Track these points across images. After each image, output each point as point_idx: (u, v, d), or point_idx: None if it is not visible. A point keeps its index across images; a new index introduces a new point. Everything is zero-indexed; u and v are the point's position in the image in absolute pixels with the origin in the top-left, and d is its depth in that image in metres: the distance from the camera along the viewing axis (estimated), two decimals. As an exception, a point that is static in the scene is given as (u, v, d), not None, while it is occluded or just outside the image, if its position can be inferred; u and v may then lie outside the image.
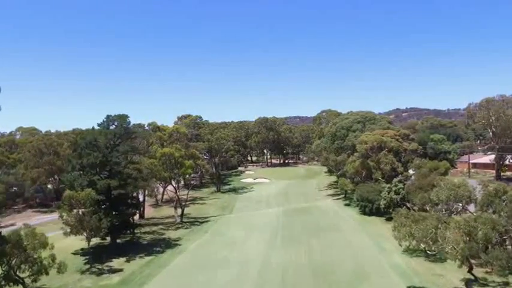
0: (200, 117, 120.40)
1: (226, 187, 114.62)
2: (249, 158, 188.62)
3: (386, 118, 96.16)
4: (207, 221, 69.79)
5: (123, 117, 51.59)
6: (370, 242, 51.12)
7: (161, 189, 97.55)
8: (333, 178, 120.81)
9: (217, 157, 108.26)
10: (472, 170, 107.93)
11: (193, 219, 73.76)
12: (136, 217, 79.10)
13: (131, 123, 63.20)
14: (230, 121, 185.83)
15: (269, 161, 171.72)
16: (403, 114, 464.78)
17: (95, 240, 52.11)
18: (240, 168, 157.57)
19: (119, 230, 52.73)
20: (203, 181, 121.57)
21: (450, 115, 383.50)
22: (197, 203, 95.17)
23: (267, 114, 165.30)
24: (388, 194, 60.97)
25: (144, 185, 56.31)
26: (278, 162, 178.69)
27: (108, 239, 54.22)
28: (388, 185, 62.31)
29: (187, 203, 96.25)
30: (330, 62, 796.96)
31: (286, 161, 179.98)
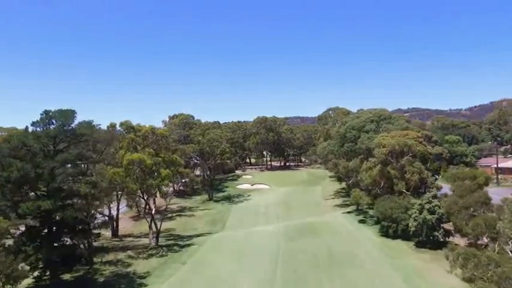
0: (192, 116, 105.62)
1: (220, 194, 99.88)
2: (248, 161, 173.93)
3: (403, 117, 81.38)
4: (189, 245, 54.84)
5: (66, 114, 36.88)
6: (402, 285, 36.29)
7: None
8: (340, 184, 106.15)
9: (209, 161, 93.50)
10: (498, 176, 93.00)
11: (173, 241, 59.01)
12: (109, 234, 65.19)
13: (97, 124, 49.09)
14: (230, 121, 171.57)
15: (269, 163, 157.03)
16: (405, 114, 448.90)
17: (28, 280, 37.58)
18: (237, 172, 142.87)
19: (62, 266, 37.95)
20: (195, 187, 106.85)
21: (452, 115, 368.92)
22: (184, 215, 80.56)
23: (266, 114, 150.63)
24: (420, 213, 46.14)
25: (89, 208, 41.26)
26: (278, 165, 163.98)
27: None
28: (419, 201, 47.46)
29: (173, 215, 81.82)
30: (331, 62, 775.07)
31: (287, 164, 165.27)
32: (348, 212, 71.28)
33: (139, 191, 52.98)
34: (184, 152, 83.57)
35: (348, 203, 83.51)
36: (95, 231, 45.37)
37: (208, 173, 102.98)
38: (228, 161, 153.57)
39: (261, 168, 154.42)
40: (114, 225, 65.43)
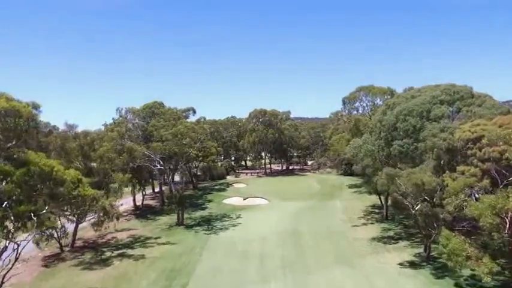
0: (161, 104, 72.33)
1: (198, 214, 66.56)
2: (243, 163, 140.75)
3: (487, 95, 47.70)
4: None
5: None
6: None
7: (70, 227, 50.71)
8: (366, 198, 73.06)
9: (179, 166, 60.26)
10: None
11: None
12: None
13: None
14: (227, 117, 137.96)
15: (268, 166, 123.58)
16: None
17: None
18: (228, 178, 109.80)
19: None
20: (166, 201, 73.59)
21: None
22: (130, 256, 47.14)
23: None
24: None
25: None
26: (280, 169, 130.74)
27: None
28: None
29: (114, 254, 48.49)
30: (332, 58, 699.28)
31: (290, 168, 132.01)
32: (411, 265, 37.84)
33: None
34: (133, 154, 50.57)
35: (391, 233, 50.74)
36: None
37: (189, 179, 69.89)
38: (219, 164, 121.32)
39: (258, 173, 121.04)
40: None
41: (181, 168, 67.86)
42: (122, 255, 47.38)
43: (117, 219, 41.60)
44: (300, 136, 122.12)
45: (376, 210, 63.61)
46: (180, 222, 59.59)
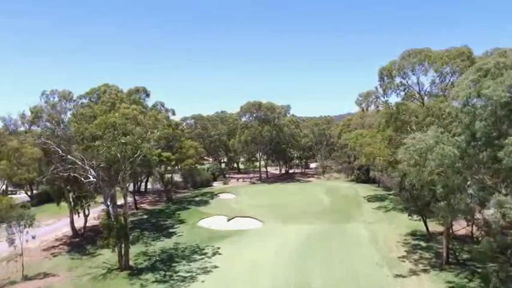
0: (117, 88, 49.57)
1: (158, 246, 43.86)
2: (236, 165, 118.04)
3: None
4: None
5: None
6: None
7: None
8: (397, 218, 50.71)
9: (119, 177, 37.30)
10: None
11: None
12: None
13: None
14: (220, 112, 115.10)
15: (263, 170, 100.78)
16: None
17: None
18: (215, 185, 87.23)
19: None
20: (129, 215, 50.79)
21: None
22: None
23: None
24: None
25: None
26: (278, 172, 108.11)
27: None
28: None
29: None
30: (333, 53, 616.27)
31: (290, 171, 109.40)
32: None
33: None
34: (21, 158, 27.80)
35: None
36: None
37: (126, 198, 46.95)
38: (205, 167, 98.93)
39: (251, 178, 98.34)
40: None
41: (127, 179, 44.92)
42: None
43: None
44: (301, 134, 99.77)
45: (422, 243, 41.25)
46: (123, 265, 36.97)
